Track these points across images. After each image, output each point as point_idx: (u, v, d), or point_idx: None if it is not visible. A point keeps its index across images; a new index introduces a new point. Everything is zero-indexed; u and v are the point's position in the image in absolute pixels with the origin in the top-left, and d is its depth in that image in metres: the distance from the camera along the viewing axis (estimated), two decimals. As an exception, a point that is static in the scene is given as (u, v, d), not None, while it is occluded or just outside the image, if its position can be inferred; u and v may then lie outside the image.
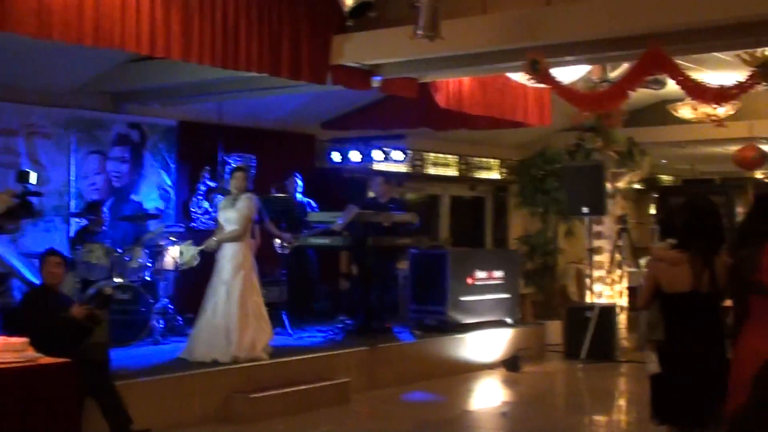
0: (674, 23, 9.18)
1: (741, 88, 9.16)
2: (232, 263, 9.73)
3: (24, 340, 6.65)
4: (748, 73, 9.21)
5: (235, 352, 9.46)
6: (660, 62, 9.23)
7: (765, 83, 9.11)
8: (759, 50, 9.30)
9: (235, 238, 9.78)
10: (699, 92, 9.48)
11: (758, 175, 18.40)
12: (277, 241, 12.28)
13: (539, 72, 9.92)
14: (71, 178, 12.10)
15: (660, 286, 5.94)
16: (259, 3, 9.96)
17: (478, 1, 10.42)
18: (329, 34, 10.67)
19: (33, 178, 9.76)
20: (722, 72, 11.55)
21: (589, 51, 10.26)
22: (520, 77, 12.46)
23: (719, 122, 9.73)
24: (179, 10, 9.13)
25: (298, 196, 13.11)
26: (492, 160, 19.05)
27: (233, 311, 9.57)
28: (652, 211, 21.85)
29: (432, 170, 17.78)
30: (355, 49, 10.72)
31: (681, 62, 10.00)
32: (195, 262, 11.07)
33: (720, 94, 9.26)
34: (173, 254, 11.38)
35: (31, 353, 6.61)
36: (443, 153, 17.91)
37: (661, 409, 6.04)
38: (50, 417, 6.47)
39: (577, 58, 10.67)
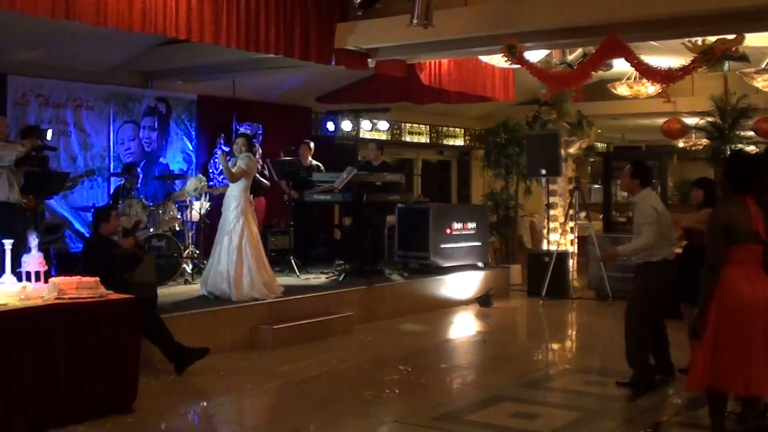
0: (627, 16, 9.29)
1: (685, 71, 9.20)
2: (234, 213, 9.55)
3: (95, 279, 6.71)
4: (691, 59, 9.27)
5: (233, 296, 9.39)
6: (618, 48, 9.31)
7: (705, 67, 9.19)
8: (700, 39, 9.32)
9: (230, 178, 9.62)
10: (650, 73, 9.55)
11: (680, 143, 18.55)
12: (285, 197, 12.38)
13: (515, 55, 10.00)
14: (110, 143, 12.17)
15: None
16: (275, -5, 10.01)
17: (461, -6, 10.52)
18: (333, 22, 10.74)
19: (48, 134, 9.59)
20: (654, 56, 11.70)
21: (554, 38, 10.37)
22: (489, 59, 12.57)
23: (667, 98, 9.80)
24: (210, 0, 9.16)
25: (311, 159, 13.16)
26: (457, 129, 19.23)
27: (233, 259, 9.45)
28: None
29: (408, 138, 17.93)
30: (355, 36, 10.80)
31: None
32: (201, 192, 11.37)
33: (668, 75, 9.31)
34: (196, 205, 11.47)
35: (102, 290, 6.68)
36: (417, 123, 18.04)
37: None
38: (116, 345, 6.55)
39: (544, 43, 10.77)
